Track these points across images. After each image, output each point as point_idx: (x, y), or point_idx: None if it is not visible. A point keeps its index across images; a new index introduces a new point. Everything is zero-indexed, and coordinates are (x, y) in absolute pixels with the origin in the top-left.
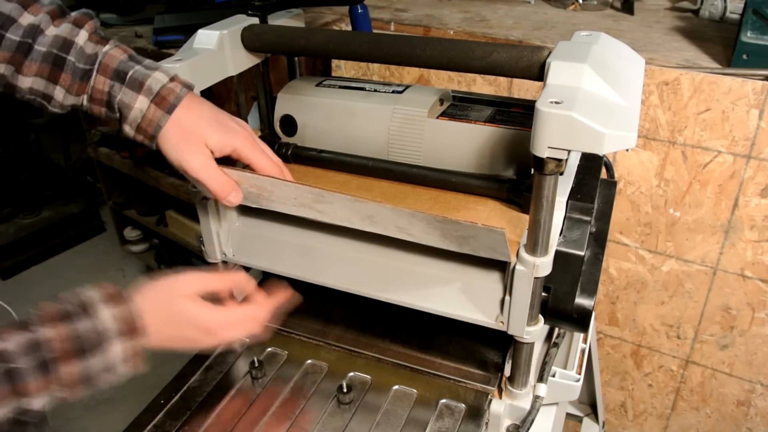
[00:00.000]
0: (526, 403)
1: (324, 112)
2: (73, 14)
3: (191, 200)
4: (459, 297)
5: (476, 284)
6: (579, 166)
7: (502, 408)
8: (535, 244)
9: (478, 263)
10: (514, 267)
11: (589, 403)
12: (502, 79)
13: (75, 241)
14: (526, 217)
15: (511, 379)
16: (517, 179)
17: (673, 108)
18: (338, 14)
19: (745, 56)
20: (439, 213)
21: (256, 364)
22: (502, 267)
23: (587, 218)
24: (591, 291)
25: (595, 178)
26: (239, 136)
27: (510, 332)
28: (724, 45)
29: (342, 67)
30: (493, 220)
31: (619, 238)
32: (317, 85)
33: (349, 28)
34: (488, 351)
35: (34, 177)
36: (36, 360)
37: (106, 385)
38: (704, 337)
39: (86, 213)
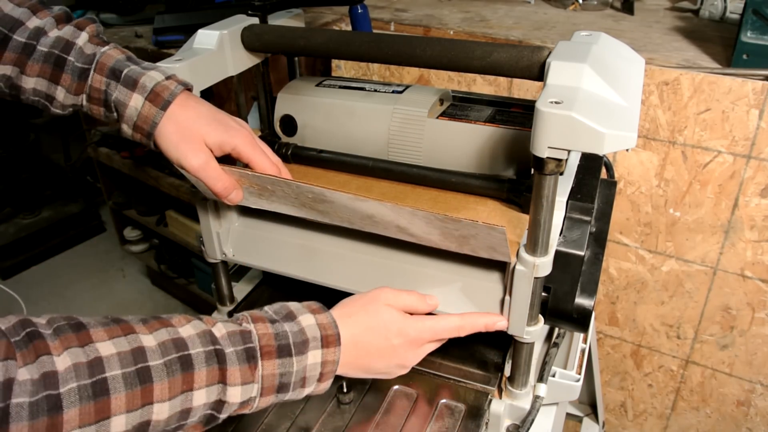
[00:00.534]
0: (526, 403)
1: (324, 112)
2: (77, 18)
3: (191, 200)
4: (459, 297)
5: (476, 284)
6: (579, 166)
7: (502, 408)
8: (535, 244)
9: (478, 263)
10: (514, 267)
11: (589, 403)
12: (502, 79)
13: (75, 241)
14: (526, 217)
15: (511, 379)
16: (517, 179)
17: (673, 108)
18: (338, 14)
19: (745, 56)
20: (440, 213)
21: None
22: (502, 267)
23: (587, 218)
24: (591, 291)
25: (595, 178)
26: (239, 134)
27: (510, 332)
28: (724, 45)
29: (342, 67)
30: (493, 220)
31: (619, 238)
32: (317, 85)
33: (349, 28)
34: (488, 351)
35: (34, 177)
36: (243, 349)
37: (290, 400)
38: (704, 337)
39: (86, 213)
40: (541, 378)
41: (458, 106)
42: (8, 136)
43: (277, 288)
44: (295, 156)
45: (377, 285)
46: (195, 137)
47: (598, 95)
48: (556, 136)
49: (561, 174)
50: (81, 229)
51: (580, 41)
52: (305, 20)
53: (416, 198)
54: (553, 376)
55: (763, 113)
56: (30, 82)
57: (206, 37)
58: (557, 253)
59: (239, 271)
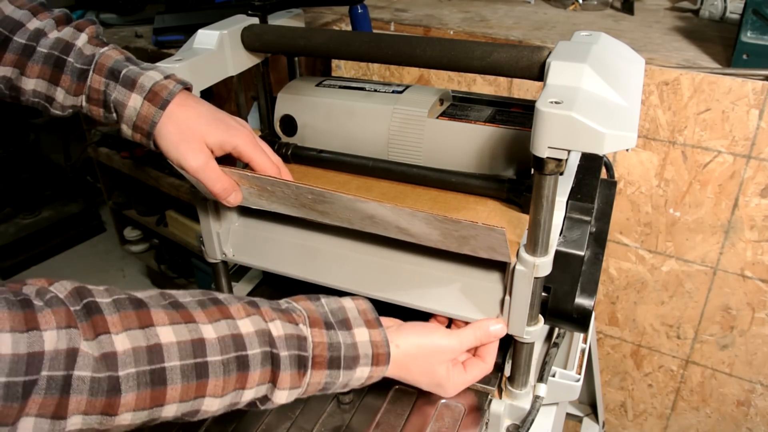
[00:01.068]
0: (526, 403)
1: (324, 112)
2: (76, 20)
3: (191, 200)
4: (459, 297)
5: (476, 284)
6: (579, 166)
7: (502, 408)
8: (535, 244)
9: (478, 263)
10: (514, 267)
11: (589, 403)
12: (502, 79)
13: (75, 241)
14: (526, 217)
15: (511, 379)
16: (517, 179)
17: (673, 108)
18: (338, 14)
19: (745, 56)
20: (439, 213)
21: None
22: (502, 267)
23: (587, 218)
24: (591, 291)
25: (595, 178)
26: (240, 133)
27: (510, 332)
28: (724, 45)
29: (342, 67)
30: (493, 220)
31: (619, 238)
32: (317, 85)
33: (349, 28)
34: None
35: (34, 177)
36: (297, 355)
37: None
38: (704, 337)
39: (86, 213)
40: (541, 378)
41: (458, 106)
42: (8, 136)
43: (277, 288)
44: (295, 156)
45: (377, 285)
46: (195, 137)
47: (598, 95)
48: (556, 136)
49: (561, 174)
50: (81, 229)
51: (580, 41)
52: (305, 20)
53: (416, 198)
54: (553, 376)
55: (763, 113)
56: (30, 84)
57: (206, 37)
58: (557, 253)
59: (239, 271)
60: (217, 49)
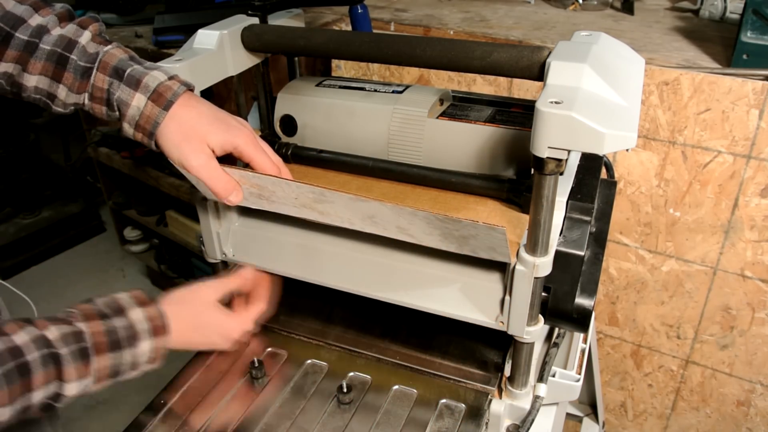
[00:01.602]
0: (526, 403)
1: (324, 112)
2: (79, 17)
3: (191, 200)
4: (459, 297)
5: (476, 284)
6: (579, 166)
7: (502, 408)
8: (535, 244)
9: (478, 264)
10: (514, 267)
11: (589, 403)
12: (502, 79)
13: (75, 241)
14: (526, 217)
15: (511, 379)
16: (517, 179)
17: (673, 108)
18: (338, 14)
19: (745, 56)
20: (440, 213)
21: (256, 364)
22: (502, 267)
23: (587, 218)
24: (591, 291)
25: (595, 178)
26: (241, 133)
27: (510, 332)
28: (724, 45)
29: (342, 67)
30: (493, 220)
31: (619, 238)
32: (317, 85)
33: (349, 28)
34: (488, 351)
35: (34, 177)
36: (77, 348)
37: (126, 379)
38: (704, 337)
39: (86, 213)
40: (541, 378)
41: (458, 106)
42: (8, 136)
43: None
44: (295, 156)
45: (377, 285)
46: (196, 137)
47: (598, 95)
48: (556, 136)
49: (561, 174)
50: (81, 229)
51: (580, 41)
52: (305, 20)
53: (416, 198)
54: (553, 376)
55: (763, 113)
56: (32, 80)
57: (206, 37)
58: (557, 253)
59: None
60: (217, 49)
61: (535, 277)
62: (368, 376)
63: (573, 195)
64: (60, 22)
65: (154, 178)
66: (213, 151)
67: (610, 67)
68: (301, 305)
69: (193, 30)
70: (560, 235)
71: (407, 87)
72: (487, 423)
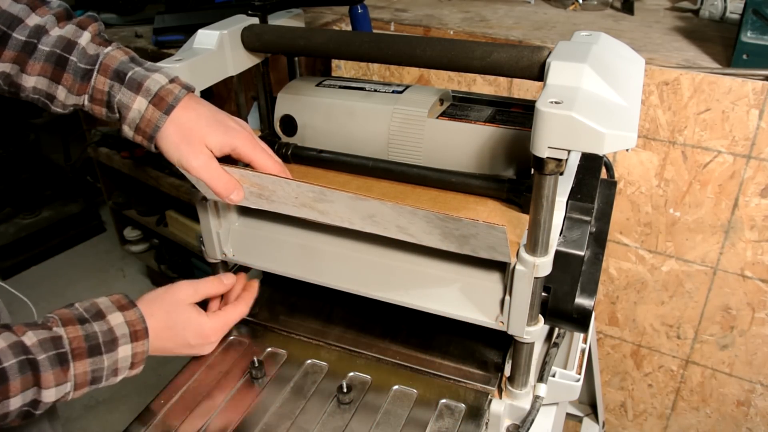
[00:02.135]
0: (526, 403)
1: (324, 112)
2: (78, 17)
3: (191, 200)
4: (459, 297)
5: (476, 284)
6: (579, 166)
7: (502, 408)
8: (535, 244)
9: (478, 263)
10: (514, 267)
11: (589, 403)
12: (502, 79)
13: (75, 241)
14: (526, 217)
15: (511, 379)
16: (517, 179)
17: (673, 108)
18: (338, 14)
19: (745, 56)
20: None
21: (256, 364)
22: (502, 267)
23: (587, 218)
24: (591, 291)
25: (595, 178)
26: (239, 135)
27: (510, 332)
28: (724, 45)
29: (342, 67)
30: (493, 220)
31: (619, 238)
32: (317, 85)
33: (349, 28)
34: (488, 351)
35: (34, 177)
36: (55, 354)
37: (107, 386)
38: (704, 337)
39: (86, 213)
40: (541, 378)
41: (458, 106)
42: (8, 136)
43: (277, 288)
44: (295, 156)
45: (377, 285)
46: (196, 138)
47: (598, 95)
48: (556, 136)
49: (561, 174)
50: (81, 229)
51: (580, 41)
52: (305, 20)
53: (416, 198)
54: (553, 376)
55: (763, 113)
56: (30, 81)
57: (206, 37)
58: (557, 253)
59: (239, 271)
60: (217, 49)
61: (535, 277)
62: (368, 376)
63: (573, 195)
64: (58, 22)
65: (154, 178)
66: (212, 152)
67: (610, 67)
68: (301, 305)
69: (193, 30)
70: (560, 235)
71: (407, 87)
72: (487, 423)
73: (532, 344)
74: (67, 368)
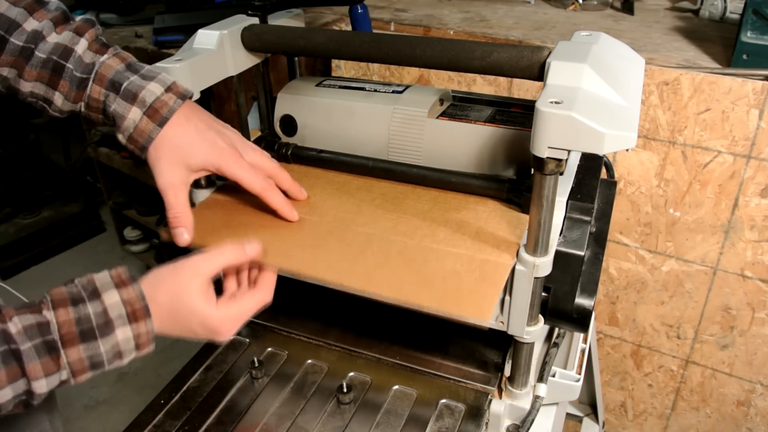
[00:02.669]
0: (526, 403)
1: (324, 112)
2: (76, 22)
3: (191, 200)
4: None
5: None
6: (579, 166)
7: (502, 408)
8: (535, 244)
9: None
10: (514, 267)
11: (589, 403)
12: (502, 79)
13: (75, 241)
14: (526, 217)
15: (511, 379)
16: (517, 179)
17: (673, 108)
18: (338, 14)
19: (745, 56)
20: (439, 213)
21: (256, 364)
22: None
23: (587, 218)
24: (591, 291)
25: (595, 178)
26: (223, 155)
27: (510, 332)
28: (724, 45)
29: (342, 67)
30: (492, 220)
31: (619, 238)
32: (317, 85)
33: (349, 28)
34: (488, 351)
35: (34, 177)
36: (41, 342)
37: (117, 368)
38: (704, 337)
39: (86, 213)
40: (541, 378)
41: (458, 106)
42: (8, 136)
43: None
44: (295, 156)
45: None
46: (178, 158)
47: (598, 95)
48: (556, 136)
49: (561, 174)
50: (81, 229)
51: (580, 41)
52: (305, 20)
53: (416, 198)
54: (553, 376)
55: (763, 113)
56: (27, 86)
57: (206, 37)
58: (557, 253)
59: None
60: (217, 49)
61: (535, 277)
62: (368, 376)
63: (573, 195)
64: (56, 27)
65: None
66: (196, 172)
67: (610, 67)
68: (301, 305)
69: (193, 30)
70: (560, 235)
71: (407, 87)
72: (487, 423)
73: (532, 344)
74: (57, 356)
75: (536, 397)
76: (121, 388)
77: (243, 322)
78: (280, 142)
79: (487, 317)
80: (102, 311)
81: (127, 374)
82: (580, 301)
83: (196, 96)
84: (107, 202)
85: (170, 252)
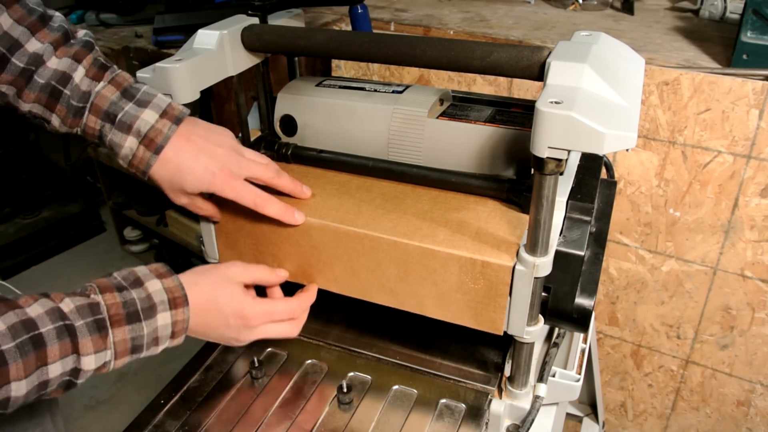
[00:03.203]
0: (526, 403)
1: (324, 112)
2: (76, 43)
3: None
4: None
5: None
6: (579, 166)
7: (502, 408)
8: (535, 244)
9: None
10: (514, 267)
11: (589, 403)
12: (502, 79)
13: (75, 241)
14: (526, 217)
15: (511, 379)
16: (517, 179)
17: (673, 108)
18: (338, 14)
19: (745, 56)
20: (439, 213)
21: (256, 364)
22: None
23: (587, 218)
24: (591, 291)
25: (595, 178)
26: (216, 179)
27: (510, 332)
28: (724, 45)
29: (342, 67)
30: (492, 220)
31: (619, 238)
32: (317, 85)
33: (349, 28)
34: (488, 351)
35: (34, 177)
36: (93, 320)
37: (148, 356)
38: (704, 337)
39: (86, 213)
40: (541, 378)
41: (458, 106)
42: (8, 136)
43: None
44: (295, 156)
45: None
46: (175, 185)
47: (598, 95)
48: (556, 136)
49: (561, 174)
50: (81, 229)
51: (580, 41)
52: (305, 20)
53: (416, 198)
54: (553, 376)
55: (763, 113)
56: (26, 106)
57: (206, 37)
58: (557, 253)
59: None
60: (217, 49)
61: (535, 277)
62: (368, 376)
63: (573, 195)
64: (56, 51)
65: None
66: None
67: (610, 67)
68: None
69: (193, 30)
70: (560, 235)
71: (407, 87)
72: (487, 423)
73: (532, 344)
74: (105, 334)
75: (536, 397)
76: (121, 388)
77: (275, 327)
78: (280, 142)
79: (499, 330)
80: (146, 296)
81: (127, 374)
82: (580, 301)
83: (196, 96)
84: (107, 202)
85: (170, 252)
